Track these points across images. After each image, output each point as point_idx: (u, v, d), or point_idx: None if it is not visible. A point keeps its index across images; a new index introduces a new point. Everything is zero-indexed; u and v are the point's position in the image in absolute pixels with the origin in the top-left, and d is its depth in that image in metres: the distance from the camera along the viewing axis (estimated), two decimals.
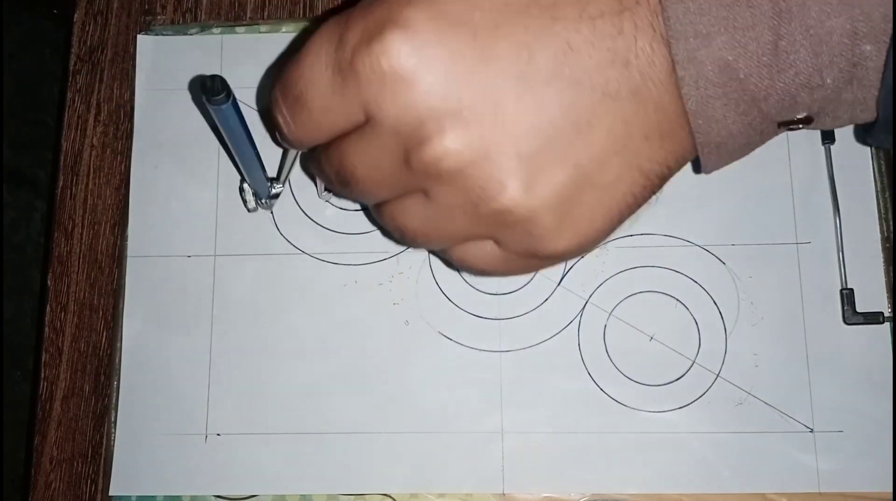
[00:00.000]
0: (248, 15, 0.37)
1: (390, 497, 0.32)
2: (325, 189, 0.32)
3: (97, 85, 0.37)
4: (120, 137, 0.36)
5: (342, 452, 0.32)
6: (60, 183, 0.36)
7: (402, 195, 0.23)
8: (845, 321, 0.32)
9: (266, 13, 0.37)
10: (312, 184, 0.34)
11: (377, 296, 0.34)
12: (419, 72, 0.20)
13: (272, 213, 0.34)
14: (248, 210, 0.34)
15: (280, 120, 0.23)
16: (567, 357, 0.32)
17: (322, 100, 0.22)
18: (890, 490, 0.30)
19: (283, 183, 0.32)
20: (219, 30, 0.36)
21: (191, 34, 0.36)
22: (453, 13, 0.21)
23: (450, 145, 0.20)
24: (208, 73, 0.36)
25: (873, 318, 0.32)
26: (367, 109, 0.21)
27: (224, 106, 0.24)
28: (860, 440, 0.31)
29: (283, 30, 0.36)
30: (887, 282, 0.32)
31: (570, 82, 0.20)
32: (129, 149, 0.36)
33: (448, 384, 0.33)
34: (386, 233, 0.33)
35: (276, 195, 0.33)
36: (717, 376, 0.32)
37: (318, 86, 0.22)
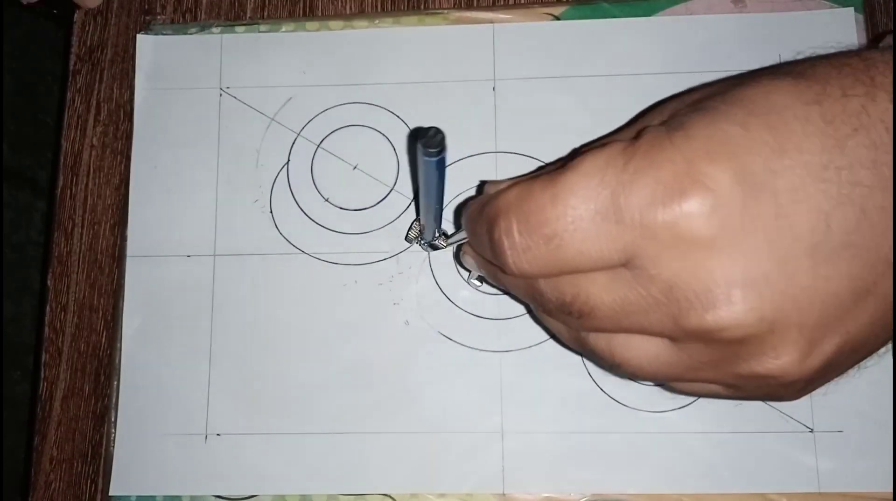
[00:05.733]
0: (248, 15, 0.37)
1: (390, 497, 0.32)
2: (478, 278, 0.32)
3: (97, 85, 0.37)
4: (120, 137, 0.36)
5: (342, 452, 0.32)
6: (60, 183, 0.36)
7: (637, 333, 0.23)
8: None
9: (266, 13, 0.37)
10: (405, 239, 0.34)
11: (377, 296, 0.34)
12: (717, 239, 0.19)
13: (272, 213, 0.34)
14: (406, 239, 0.34)
15: (507, 252, 0.22)
16: (567, 357, 0.32)
17: (582, 244, 0.21)
18: (890, 490, 0.30)
19: (447, 245, 0.32)
20: (218, 29, 0.36)
21: (190, 34, 0.36)
22: (755, 174, 0.20)
23: (738, 316, 0.20)
24: (208, 72, 0.36)
25: None
26: (638, 260, 0.20)
27: (435, 159, 0.23)
28: (860, 440, 0.31)
29: (283, 29, 0.36)
30: None
31: (859, 251, 0.20)
32: (129, 149, 0.36)
33: (448, 384, 0.33)
34: (558, 339, 0.29)
35: (436, 247, 0.33)
36: None
37: (581, 229, 0.21)
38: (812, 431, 0.31)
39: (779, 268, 0.20)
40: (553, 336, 0.32)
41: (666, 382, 0.25)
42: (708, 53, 0.34)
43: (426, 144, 0.22)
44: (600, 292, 0.22)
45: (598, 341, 0.24)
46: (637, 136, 0.21)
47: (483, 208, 0.24)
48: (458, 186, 0.34)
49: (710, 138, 0.20)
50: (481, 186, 0.34)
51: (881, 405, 0.31)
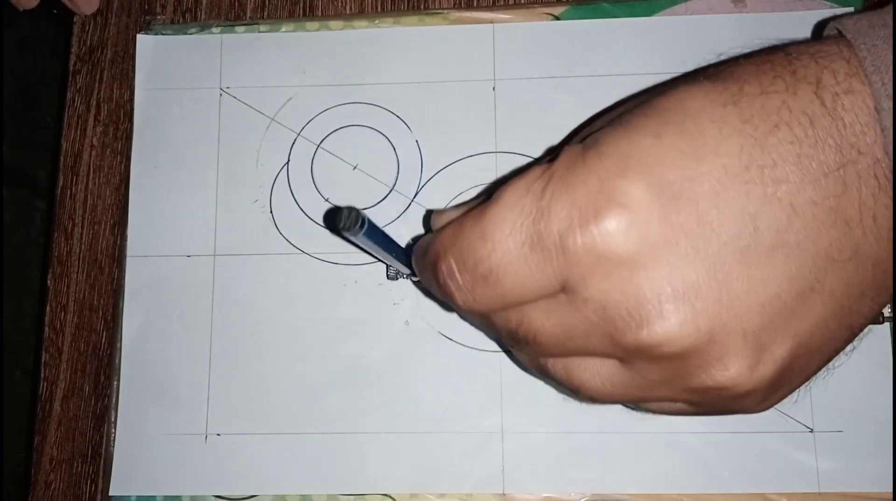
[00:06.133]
0: (248, 14, 0.37)
1: (390, 497, 0.32)
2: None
3: (97, 85, 0.37)
4: (120, 137, 0.36)
5: (342, 452, 0.32)
6: (60, 183, 0.36)
7: (587, 356, 0.22)
8: None
9: (266, 13, 0.37)
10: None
11: (377, 296, 0.34)
12: (639, 254, 0.19)
13: (272, 213, 0.34)
14: (388, 277, 0.32)
15: (455, 293, 0.22)
16: None
17: (516, 277, 0.21)
18: (890, 490, 0.30)
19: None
20: (218, 29, 0.36)
21: (190, 34, 0.36)
22: (672, 184, 0.19)
23: (672, 330, 0.19)
24: (208, 72, 0.36)
25: (873, 318, 0.31)
26: (570, 284, 0.20)
27: (361, 233, 0.23)
28: (860, 440, 0.31)
29: (283, 29, 0.36)
30: None
31: (793, 249, 0.19)
32: (129, 149, 0.36)
33: (448, 384, 0.33)
34: (523, 366, 0.29)
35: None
36: None
37: (511, 262, 0.20)
38: (812, 431, 0.31)
39: (709, 276, 0.19)
40: (521, 366, 0.32)
41: (626, 403, 0.25)
42: (708, 53, 0.34)
43: (346, 227, 0.22)
44: (541, 319, 0.21)
45: (557, 366, 0.24)
46: (554, 157, 0.21)
47: (425, 252, 0.24)
48: (458, 186, 0.34)
49: (622, 153, 0.20)
50: (428, 215, 0.33)
51: (881, 405, 0.31)
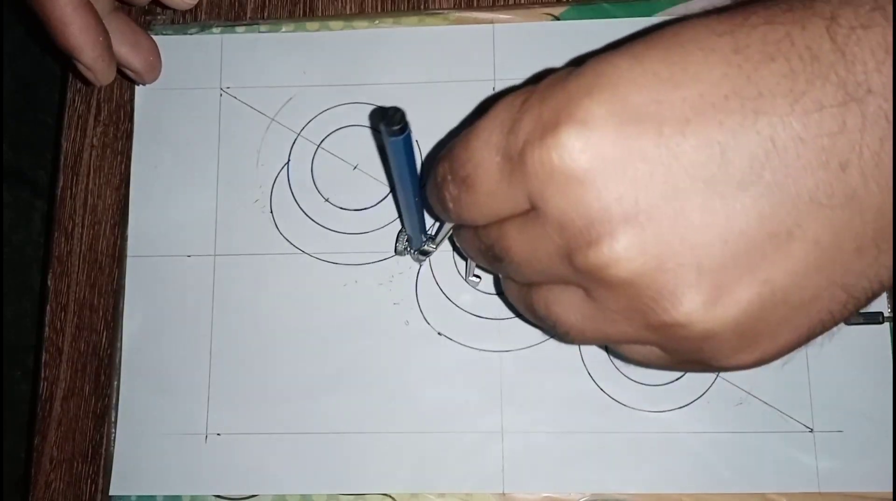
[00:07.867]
0: (248, 15, 0.37)
1: (390, 497, 0.32)
2: (474, 275, 0.32)
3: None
4: (120, 137, 0.36)
5: (342, 452, 0.32)
6: (60, 183, 0.36)
7: (559, 285, 0.22)
8: (845, 322, 0.32)
9: (266, 13, 0.37)
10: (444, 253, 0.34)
11: (377, 296, 0.34)
12: (592, 171, 0.19)
13: (272, 213, 0.34)
14: (396, 252, 0.33)
15: (446, 196, 0.23)
16: (567, 357, 0.32)
17: (489, 184, 0.21)
18: (890, 490, 0.30)
19: (437, 246, 0.31)
20: (219, 30, 0.36)
21: (191, 34, 0.36)
22: (637, 106, 0.19)
23: (619, 252, 0.19)
24: (208, 72, 0.36)
25: (873, 318, 0.32)
26: (533, 199, 0.20)
27: (400, 137, 0.23)
28: (860, 440, 0.31)
29: (283, 29, 0.36)
30: None
31: (769, 187, 0.18)
32: (129, 149, 0.36)
33: (448, 384, 0.33)
34: (527, 320, 0.30)
35: (426, 253, 0.32)
36: (717, 376, 0.32)
37: (486, 170, 0.21)
38: (812, 431, 0.31)
39: (665, 202, 0.18)
40: (512, 309, 0.32)
41: (600, 342, 0.24)
42: None
43: (388, 123, 0.22)
44: (514, 234, 0.22)
45: (539, 299, 0.24)
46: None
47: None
48: None
49: (597, 74, 0.19)
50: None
51: (881, 405, 0.31)
